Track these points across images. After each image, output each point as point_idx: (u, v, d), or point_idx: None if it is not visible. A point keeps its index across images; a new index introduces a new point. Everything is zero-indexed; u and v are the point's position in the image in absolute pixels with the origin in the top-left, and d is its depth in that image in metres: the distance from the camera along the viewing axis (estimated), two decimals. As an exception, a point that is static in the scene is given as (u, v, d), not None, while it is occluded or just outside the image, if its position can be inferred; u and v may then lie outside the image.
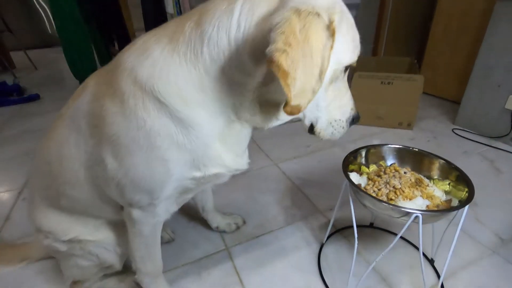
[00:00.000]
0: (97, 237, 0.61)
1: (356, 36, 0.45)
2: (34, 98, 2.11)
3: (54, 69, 3.07)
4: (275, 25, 0.35)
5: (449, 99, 1.77)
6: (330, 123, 0.52)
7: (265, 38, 0.37)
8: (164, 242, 0.85)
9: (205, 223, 0.90)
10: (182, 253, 0.83)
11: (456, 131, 1.44)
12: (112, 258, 0.65)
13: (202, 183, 0.54)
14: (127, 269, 0.71)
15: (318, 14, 0.36)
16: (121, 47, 1.94)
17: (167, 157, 0.46)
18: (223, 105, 0.47)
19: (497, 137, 1.33)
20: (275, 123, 0.52)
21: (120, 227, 0.61)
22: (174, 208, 0.58)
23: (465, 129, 1.45)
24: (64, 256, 0.63)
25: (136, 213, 0.53)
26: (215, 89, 0.44)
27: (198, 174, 0.50)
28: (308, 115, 0.51)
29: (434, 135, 1.42)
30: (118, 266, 0.68)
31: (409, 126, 1.46)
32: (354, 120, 0.54)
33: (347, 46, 0.43)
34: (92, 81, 0.52)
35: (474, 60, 1.37)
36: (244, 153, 0.57)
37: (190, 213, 0.94)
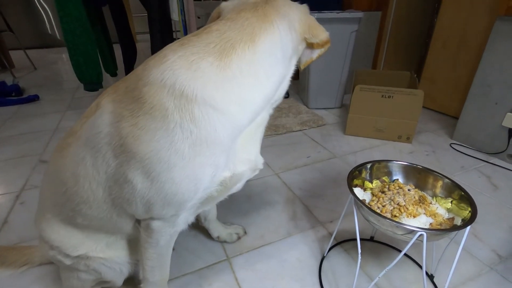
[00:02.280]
0: (107, 254, 0.61)
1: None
2: (33, 99, 2.09)
3: (54, 70, 3.06)
4: (318, 34, 0.57)
5: (448, 114, 1.80)
6: None
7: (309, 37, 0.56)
8: (165, 251, 0.84)
9: (206, 233, 0.90)
10: (183, 263, 0.83)
11: (454, 145, 1.46)
12: (115, 277, 0.64)
13: (226, 189, 0.55)
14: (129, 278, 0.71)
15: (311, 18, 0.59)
16: (125, 50, 1.94)
17: (208, 162, 0.48)
18: (270, 100, 0.55)
19: (494, 153, 1.35)
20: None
21: (133, 243, 0.61)
22: (192, 218, 0.59)
23: (463, 144, 1.47)
24: (66, 268, 0.63)
25: (156, 223, 0.53)
26: (270, 88, 0.53)
27: (227, 173, 0.52)
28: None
29: (433, 149, 1.44)
30: (118, 284, 0.68)
31: (408, 139, 1.48)
32: None
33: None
34: (107, 98, 0.51)
35: (473, 77, 1.40)
36: (259, 150, 0.61)
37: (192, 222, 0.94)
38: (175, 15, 1.53)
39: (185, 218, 0.56)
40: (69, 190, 0.53)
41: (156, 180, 0.47)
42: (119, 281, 0.67)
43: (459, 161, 1.34)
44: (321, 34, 0.56)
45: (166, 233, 0.56)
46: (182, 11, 1.60)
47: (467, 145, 1.46)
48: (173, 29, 1.89)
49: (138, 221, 0.56)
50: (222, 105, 0.47)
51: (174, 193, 0.48)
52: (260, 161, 0.60)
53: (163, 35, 1.60)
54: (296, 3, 0.57)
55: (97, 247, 0.60)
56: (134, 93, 0.48)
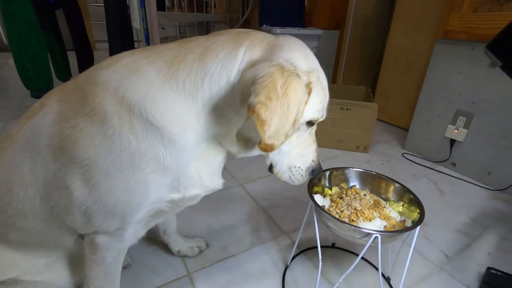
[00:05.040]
0: (45, 277, 0.54)
1: (326, 99, 0.53)
2: (-29, 107, 1.88)
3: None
4: (259, 77, 0.41)
5: (400, 126, 1.95)
6: (289, 168, 0.57)
7: (251, 84, 0.42)
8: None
9: (165, 247, 0.85)
10: (139, 280, 0.77)
11: (405, 155, 1.58)
12: None
13: (177, 206, 0.52)
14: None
15: (298, 75, 0.43)
16: (80, 58, 1.83)
17: (149, 180, 0.45)
18: (210, 133, 0.50)
19: (439, 162, 1.48)
20: (247, 154, 0.56)
21: (77, 261, 0.55)
22: (143, 232, 0.55)
23: (413, 154, 1.59)
24: None
25: (101, 238, 0.49)
26: (207, 119, 0.47)
27: (177, 196, 0.49)
28: (271, 156, 0.56)
29: (387, 158, 1.54)
30: None
31: (366, 149, 1.57)
32: (314, 172, 0.60)
33: (315, 106, 0.50)
34: (53, 98, 0.48)
35: (419, 92, 1.54)
36: (220, 173, 0.58)
37: (150, 236, 0.89)
38: (136, 23, 1.49)
39: (134, 233, 0.52)
40: (1, 201, 0.48)
41: (95, 189, 0.44)
42: None
43: (410, 169, 1.44)
44: (252, 97, 0.40)
45: (113, 249, 0.51)
46: (144, 19, 1.56)
47: (416, 155, 1.58)
48: (135, 39, 1.84)
49: (81, 237, 0.51)
50: (161, 122, 0.44)
51: (114, 205, 0.45)
52: (218, 184, 0.56)
53: (123, 43, 1.55)
54: (295, 49, 0.48)
55: (32, 268, 0.53)
56: (80, 92, 0.45)
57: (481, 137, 1.31)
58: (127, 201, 0.45)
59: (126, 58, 0.47)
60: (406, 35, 1.79)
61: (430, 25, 1.63)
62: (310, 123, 0.53)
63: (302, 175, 0.58)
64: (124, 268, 0.79)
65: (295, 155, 0.56)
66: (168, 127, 0.44)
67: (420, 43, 1.72)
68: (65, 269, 0.57)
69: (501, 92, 1.22)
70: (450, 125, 1.40)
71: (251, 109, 0.40)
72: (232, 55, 0.46)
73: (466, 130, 1.34)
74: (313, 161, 0.59)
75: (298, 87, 0.43)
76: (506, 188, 1.25)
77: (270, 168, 0.58)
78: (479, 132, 1.31)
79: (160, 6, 2.94)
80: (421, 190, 1.26)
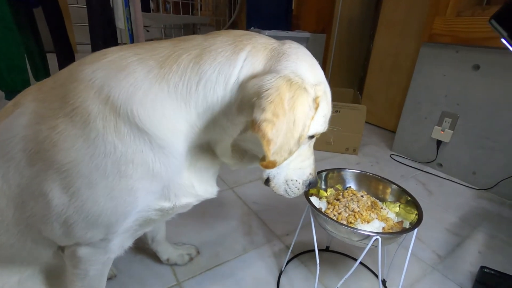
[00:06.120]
0: None
1: (329, 113, 0.50)
2: None
3: (-30, 78, 2.63)
4: (265, 90, 0.38)
5: (387, 129, 1.97)
6: (286, 181, 0.56)
7: (254, 96, 0.39)
8: (104, 281, 0.73)
9: (153, 256, 0.80)
10: (125, 293, 0.72)
11: (393, 156, 1.60)
12: None
13: (168, 214, 0.48)
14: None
15: (306, 89, 0.40)
16: (61, 60, 1.74)
17: (137, 187, 0.41)
18: (204, 141, 0.47)
19: (426, 163, 1.50)
20: (242, 167, 0.55)
21: (56, 275, 0.50)
22: (130, 242, 0.50)
23: (401, 155, 1.61)
24: None
25: (83, 250, 0.45)
26: (201, 126, 0.44)
27: (167, 204, 0.45)
28: (268, 169, 0.54)
29: (376, 160, 1.55)
30: None
31: (355, 151, 1.57)
32: (311, 185, 0.58)
33: (319, 120, 0.48)
34: (29, 97, 0.43)
35: (406, 95, 1.56)
36: (214, 182, 0.55)
37: (137, 245, 0.83)
38: (120, 23, 1.44)
39: (120, 243, 0.48)
40: None
41: (76, 197, 0.40)
42: None
43: (399, 170, 1.46)
44: (257, 112, 0.37)
45: (97, 261, 0.47)
46: (128, 19, 1.51)
47: (404, 156, 1.60)
48: (119, 41, 1.78)
49: (61, 249, 0.47)
50: (149, 127, 0.40)
51: (97, 214, 0.41)
52: (212, 193, 0.54)
53: (107, 44, 1.49)
54: (299, 59, 0.45)
55: (4, 286, 0.48)
56: (60, 90, 0.41)
57: (466, 137, 1.34)
58: (112, 210, 0.41)
59: (112, 54, 0.43)
60: (391, 39, 1.82)
61: (415, 29, 1.67)
62: (311, 136, 0.52)
63: (298, 188, 0.57)
64: (109, 279, 0.74)
65: (293, 168, 0.55)
66: (157, 132, 0.40)
67: (405, 46, 1.75)
68: (42, 285, 0.52)
69: (484, 94, 1.25)
70: (436, 127, 1.43)
71: (256, 126, 0.37)
72: (231, 60, 0.42)
73: (452, 131, 1.37)
74: (310, 174, 0.57)
75: (305, 102, 0.40)
76: (490, 188, 1.28)
77: (267, 181, 0.57)
78: (464, 133, 1.34)
79: (145, 8, 2.88)
80: (410, 191, 1.25)
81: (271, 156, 0.39)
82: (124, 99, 0.39)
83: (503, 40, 0.60)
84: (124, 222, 0.43)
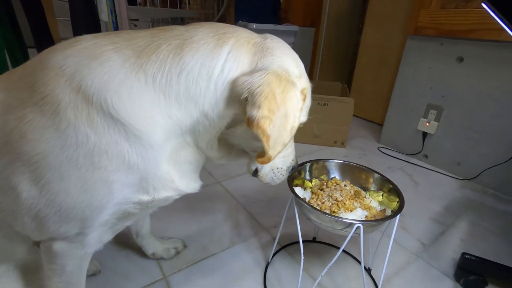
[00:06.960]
0: None
1: (310, 103, 0.53)
2: None
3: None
4: (257, 86, 0.39)
5: (374, 121, 1.99)
6: (272, 170, 0.58)
7: (244, 92, 0.40)
8: (89, 275, 0.72)
9: (139, 251, 0.80)
10: (110, 288, 0.71)
11: (381, 149, 1.61)
12: None
13: (147, 208, 0.47)
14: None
15: (293, 83, 0.43)
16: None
17: (112, 179, 0.40)
18: (185, 132, 0.46)
19: (413, 154, 1.53)
20: (229, 161, 0.55)
21: (32, 271, 0.49)
22: (109, 237, 0.49)
23: (388, 148, 1.63)
24: None
25: (58, 245, 0.43)
26: (182, 118, 0.43)
27: (146, 197, 0.44)
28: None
29: (364, 152, 1.57)
30: None
31: (343, 144, 1.58)
32: (293, 169, 0.61)
33: (304, 110, 0.50)
34: None
35: (392, 88, 1.58)
36: (197, 176, 0.54)
37: (121, 239, 0.83)
38: (104, 15, 1.40)
39: (98, 237, 0.47)
40: None
41: (46, 189, 0.39)
42: None
43: (386, 162, 1.48)
44: (253, 110, 0.39)
45: (73, 256, 0.46)
46: (112, 11, 1.48)
47: (392, 148, 1.62)
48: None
49: (37, 244, 0.46)
50: (125, 117, 0.39)
51: (70, 207, 0.40)
52: (194, 188, 0.52)
53: (90, 37, 1.45)
54: (288, 56, 0.46)
55: None
56: (29, 78, 0.39)
57: (451, 129, 1.36)
58: (86, 203, 0.40)
59: (86, 41, 0.41)
60: (378, 32, 1.83)
61: (402, 22, 1.69)
62: None
63: (283, 175, 0.60)
64: (93, 275, 0.73)
65: (278, 157, 0.56)
66: (133, 122, 0.39)
67: (392, 39, 1.77)
68: (18, 281, 0.51)
69: (468, 86, 1.27)
70: (422, 119, 1.45)
71: (254, 123, 0.38)
72: (214, 53, 0.42)
73: (437, 123, 1.39)
74: (292, 160, 0.60)
75: (293, 95, 0.42)
76: (474, 178, 1.31)
77: (255, 172, 0.58)
78: (449, 124, 1.36)
79: (132, 1, 2.81)
80: (397, 182, 1.25)
81: (269, 151, 0.40)
82: (97, 87, 0.38)
83: (483, 4, 0.59)
84: (100, 216, 0.42)
